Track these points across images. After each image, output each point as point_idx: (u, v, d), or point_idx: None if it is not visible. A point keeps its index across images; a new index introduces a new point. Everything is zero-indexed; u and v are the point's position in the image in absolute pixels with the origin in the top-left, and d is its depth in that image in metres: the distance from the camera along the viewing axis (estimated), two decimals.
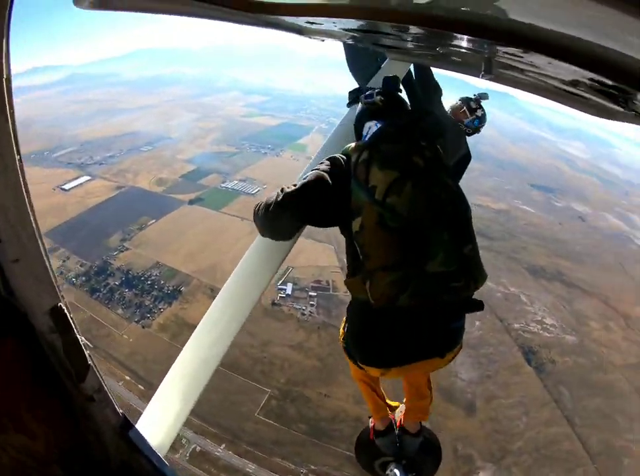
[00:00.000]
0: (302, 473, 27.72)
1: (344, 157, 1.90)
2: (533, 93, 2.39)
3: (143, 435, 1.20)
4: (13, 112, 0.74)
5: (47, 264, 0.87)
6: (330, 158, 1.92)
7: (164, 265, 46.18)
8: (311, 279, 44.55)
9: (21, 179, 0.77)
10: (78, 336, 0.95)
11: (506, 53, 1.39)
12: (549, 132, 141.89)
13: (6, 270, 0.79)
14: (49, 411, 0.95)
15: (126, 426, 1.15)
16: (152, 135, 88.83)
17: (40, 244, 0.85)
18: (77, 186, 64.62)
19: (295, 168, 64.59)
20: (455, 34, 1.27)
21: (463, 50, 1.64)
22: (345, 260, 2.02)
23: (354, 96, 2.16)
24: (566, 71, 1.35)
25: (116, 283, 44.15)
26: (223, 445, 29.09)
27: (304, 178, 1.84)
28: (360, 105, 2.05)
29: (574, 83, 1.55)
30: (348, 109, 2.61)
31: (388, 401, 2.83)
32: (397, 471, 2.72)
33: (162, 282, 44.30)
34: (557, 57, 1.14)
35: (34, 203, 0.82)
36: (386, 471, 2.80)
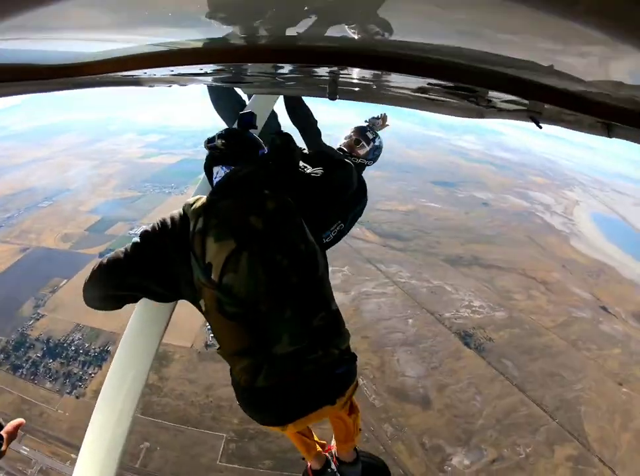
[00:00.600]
0: None
1: (179, 217, 1.67)
2: (393, 104, 2.34)
3: None
4: None
5: None
6: (161, 220, 1.69)
7: (85, 326, 42.32)
8: None
9: None
10: None
11: (344, 73, 1.35)
12: (441, 131, 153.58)
13: None
14: None
15: None
16: (49, 189, 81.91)
17: None
18: None
19: None
20: (287, 64, 1.23)
21: (308, 76, 1.60)
22: None
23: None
24: (405, 79, 1.33)
25: (38, 355, 39.61)
26: None
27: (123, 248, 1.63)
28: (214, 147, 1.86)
29: (422, 90, 1.55)
30: None
31: (316, 438, 2.69)
32: None
33: (87, 345, 40.59)
34: (383, 69, 1.12)
35: None
36: None
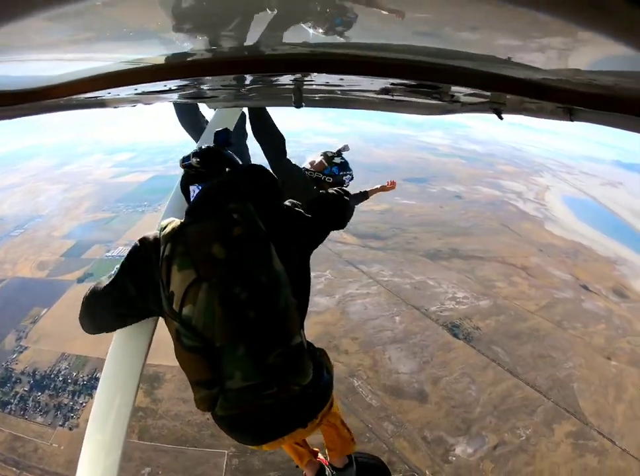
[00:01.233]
0: None
1: (154, 240, 1.63)
2: (359, 108, 2.34)
3: None
4: None
5: None
6: (133, 247, 1.66)
7: (71, 355, 40.83)
8: None
9: None
10: None
11: (308, 80, 1.35)
12: (408, 128, 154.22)
13: None
14: None
15: None
16: (20, 216, 79.03)
17: None
18: None
19: None
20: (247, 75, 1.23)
21: (273, 85, 1.60)
22: None
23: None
24: (368, 81, 1.33)
25: (25, 389, 37.92)
26: None
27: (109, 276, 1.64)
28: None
29: (386, 91, 1.55)
30: None
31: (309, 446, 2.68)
32: None
33: (74, 374, 39.14)
34: (345, 72, 1.13)
35: None
36: None
